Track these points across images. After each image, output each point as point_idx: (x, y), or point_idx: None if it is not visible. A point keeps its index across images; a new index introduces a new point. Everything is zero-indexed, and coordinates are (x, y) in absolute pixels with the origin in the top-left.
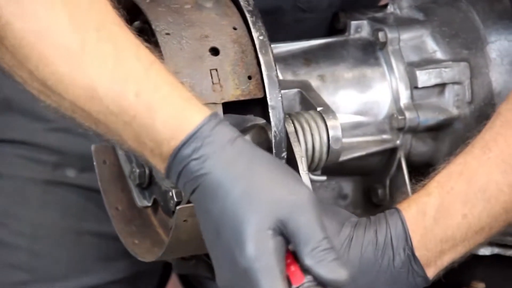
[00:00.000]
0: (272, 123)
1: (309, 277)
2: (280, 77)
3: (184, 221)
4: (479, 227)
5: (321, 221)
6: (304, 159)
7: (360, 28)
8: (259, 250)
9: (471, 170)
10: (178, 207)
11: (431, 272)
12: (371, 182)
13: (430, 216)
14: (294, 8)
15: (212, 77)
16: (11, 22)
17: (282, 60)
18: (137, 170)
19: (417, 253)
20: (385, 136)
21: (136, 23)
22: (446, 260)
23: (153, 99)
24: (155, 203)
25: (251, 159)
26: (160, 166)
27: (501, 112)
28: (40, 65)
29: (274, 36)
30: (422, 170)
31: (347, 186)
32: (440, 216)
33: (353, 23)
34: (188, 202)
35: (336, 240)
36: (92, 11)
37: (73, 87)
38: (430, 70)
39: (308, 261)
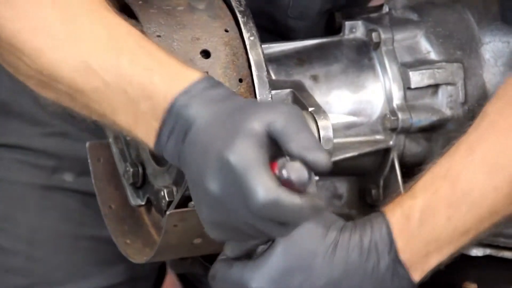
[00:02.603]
0: None
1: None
2: (273, 77)
3: (174, 226)
4: (464, 229)
5: (306, 124)
6: None
7: (354, 29)
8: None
9: (455, 173)
10: (168, 212)
11: (417, 275)
12: (365, 182)
13: (415, 220)
14: (285, 18)
15: None
16: (3, 25)
17: (275, 60)
18: (131, 169)
19: (402, 257)
20: (378, 137)
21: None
22: (432, 262)
23: (149, 63)
24: (148, 202)
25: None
26: (150, 128)
27: (488, 112)
28: (34, 57)
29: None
30: (416, 171)
31: (342, 186)
32: (424, 219)
33: (348, 23)
34: (179, 204)
35: (322, 244)
36: (81, 2)
37: (68, 69)
38: (423, 71)
39: (293, 148)
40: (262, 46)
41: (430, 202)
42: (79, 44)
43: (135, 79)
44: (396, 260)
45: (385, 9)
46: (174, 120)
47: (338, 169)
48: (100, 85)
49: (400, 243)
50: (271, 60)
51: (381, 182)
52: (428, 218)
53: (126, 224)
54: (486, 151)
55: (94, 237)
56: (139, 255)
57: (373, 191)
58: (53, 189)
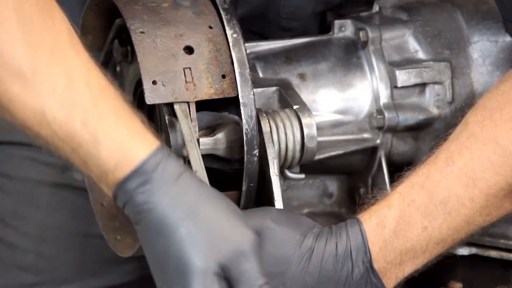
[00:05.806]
0: (244, 121)
1: None
2: (260, 75)
3: None
4: (440, 239)
5: (261, 267)
6: (276, 161)
7: (344, 27)
8: None
9: (433, 183)
10: None
11: (391, 284)
12: (354, 181)
13: (390, 229)
14: (278, 17)
15: (185, 76)
16: None
17: (263, 58)
18: None
19: (376, 265)
20: (365, 135)
21: (118, 20)
22: (406, 271)
23: (98, 129)
24: None
25: (197, 199)
26: (107, 191)
27: (469, 123)
28: None
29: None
30: (404, 170)
31: (332, 185)
32: (400, 229)
33: (337, 22)
34: None
35: (297, 251)
36: (46, 31)
37: (24, 109)
38: (410, 69)
39: None
40: (251, 44)
41: (406, 212)
42: (37, 87)
43: (84, 146)
44: (370, 269)
45: (375, 8)
46: (125, 198)
47: (326, 167)
48: (53, 134)
49: (374, 252)
50: (259, 58)
51: (369, 181)
52: (404, 228)
53: (117, 220)
54: (465, 163)
55: None
56: (128, 250)
57: (362, 190)
58: (63, 187)
